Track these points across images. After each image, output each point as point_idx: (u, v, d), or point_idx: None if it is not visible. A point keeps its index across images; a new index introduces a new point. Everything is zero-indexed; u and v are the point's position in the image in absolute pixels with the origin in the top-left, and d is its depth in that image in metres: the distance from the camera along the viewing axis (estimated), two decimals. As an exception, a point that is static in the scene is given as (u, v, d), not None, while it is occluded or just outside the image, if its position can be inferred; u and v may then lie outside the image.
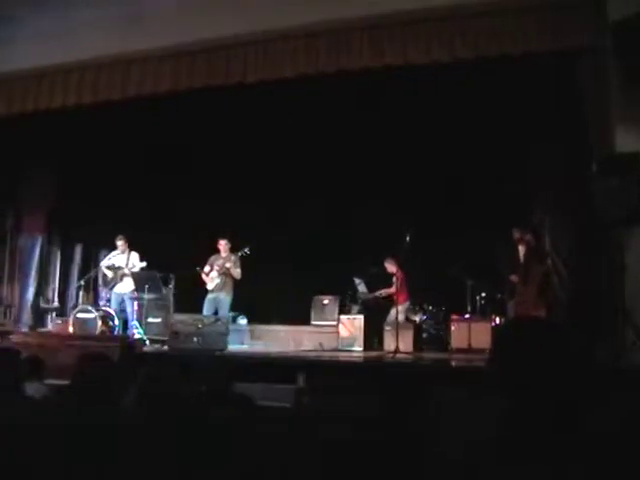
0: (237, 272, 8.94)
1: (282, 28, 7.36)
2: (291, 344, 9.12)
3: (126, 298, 9.30)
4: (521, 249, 7.94)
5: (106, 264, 9.48)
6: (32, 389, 3.58)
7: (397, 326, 8.06)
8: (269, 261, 9.82)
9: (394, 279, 8.64)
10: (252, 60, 7.54)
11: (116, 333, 8.91)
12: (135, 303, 9.15)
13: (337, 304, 9.58)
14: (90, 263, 10.67)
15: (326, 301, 9.70)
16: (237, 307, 9.61)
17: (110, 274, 9.41)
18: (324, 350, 8.58)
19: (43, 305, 10.37)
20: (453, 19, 6.78)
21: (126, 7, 7.89)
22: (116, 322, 9.09)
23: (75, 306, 9.45)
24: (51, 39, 8.18)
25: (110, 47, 7.93)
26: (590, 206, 6.24)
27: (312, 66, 7.33)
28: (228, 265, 8.86)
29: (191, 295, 9.50)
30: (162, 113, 8.96)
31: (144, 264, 9.22)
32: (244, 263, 9.00)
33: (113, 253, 9.52)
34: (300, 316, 9.68)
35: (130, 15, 7.91)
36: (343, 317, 9.08)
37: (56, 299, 10.53)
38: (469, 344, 8.04)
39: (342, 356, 8.13)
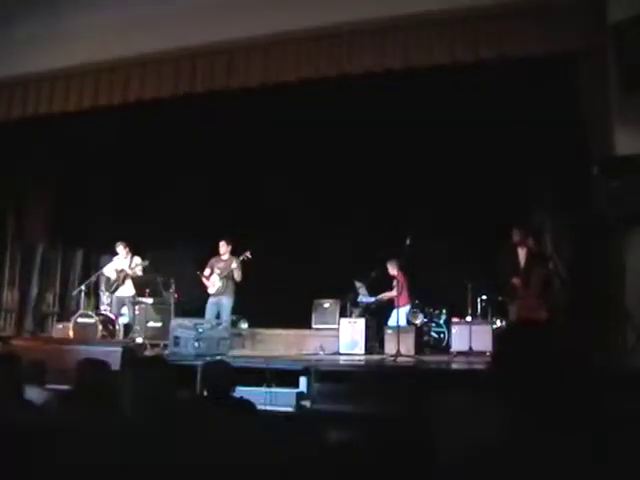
0: (239, 274, 8.92)
1: (283, 32, 7.37)
2: (292, 348, 9.09)
3: (127, 302, 9.30)
4: (521, 251, 7.93)
5: (109, 268, 9.48)
6: (33, 394, 3.57)
7: (398, 329, 8.05)
8: (270, 265, 9.81)
9: (395, 282, 8.63)
10: (253, 64, 7.55)
11: (117, 338, 8.89)
12: (136, 307, 9.13)
13: (338, 307, 9.55)
14: (91, 268, 10.66)
15: (327, 305, 9.68)
16: (238, 311, 9.59)
17: (113, 276, 9.41)
18: (325, 354, 8.57)
19: (44, 310, 10.36)
20: (453, 22, 6.81)
21: (126, 11, 7.90)
22: (117, 327, 9.08)
23: (76, 311, 9.44)
24: (50, 43, 8.20)
25: (109, 51, 7.94)
26: (591, 207, 6.25)
27: (313, 70, 7.34)
28: (234, 266, 8.80)
29: (192, 299, 9.48)
30: (161, 117, 8.98)
31: (147, 262, 9.21)
32: (245, 267, 8.99)
33: (115, 258, 9.52)
34: (301, 320, 9.65)
35: (129, 19, 7.92)
36: (344, 320, 9.04)
37: (57, 304, 10.52)
38: (470, 347, 8.03)
39: (343, 360, 8.11)
